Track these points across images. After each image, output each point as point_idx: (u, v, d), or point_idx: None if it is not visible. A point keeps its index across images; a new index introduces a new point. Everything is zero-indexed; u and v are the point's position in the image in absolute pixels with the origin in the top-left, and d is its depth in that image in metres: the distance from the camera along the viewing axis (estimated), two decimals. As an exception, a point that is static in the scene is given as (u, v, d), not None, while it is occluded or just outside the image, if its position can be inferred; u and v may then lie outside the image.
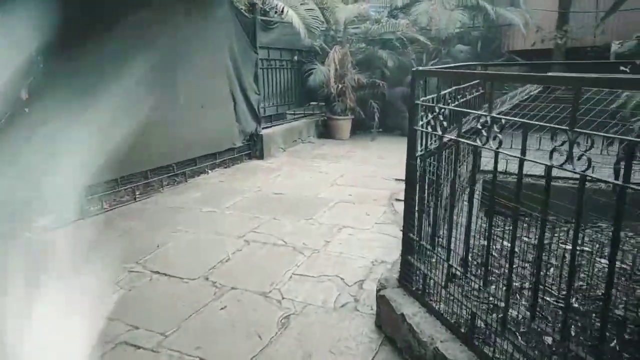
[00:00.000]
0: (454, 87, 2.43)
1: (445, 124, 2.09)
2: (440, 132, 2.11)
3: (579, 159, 1.40)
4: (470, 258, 2.51)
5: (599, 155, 2.16)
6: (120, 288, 3.05)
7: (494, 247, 3.11)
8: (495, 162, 1.78)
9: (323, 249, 3.62)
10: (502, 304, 1.78)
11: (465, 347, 1.95)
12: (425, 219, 2.42)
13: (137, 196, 4.92)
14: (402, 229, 4.04)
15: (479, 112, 1.79)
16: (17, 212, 3.59)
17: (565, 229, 3.21)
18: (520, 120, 1.67)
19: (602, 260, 3.10)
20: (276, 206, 4.69)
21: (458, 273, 2.13)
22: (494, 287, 2.49)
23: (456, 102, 2.44)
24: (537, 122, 1.53)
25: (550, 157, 1.51)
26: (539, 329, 1.72)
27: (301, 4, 7.21)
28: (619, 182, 1.31)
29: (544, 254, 1.90)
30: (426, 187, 2.36)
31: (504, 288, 1.81)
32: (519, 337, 1.96)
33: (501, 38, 10.15)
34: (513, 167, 3.50)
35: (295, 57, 8.18)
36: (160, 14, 5.05)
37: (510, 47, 10.31)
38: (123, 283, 3.12)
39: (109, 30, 4.24)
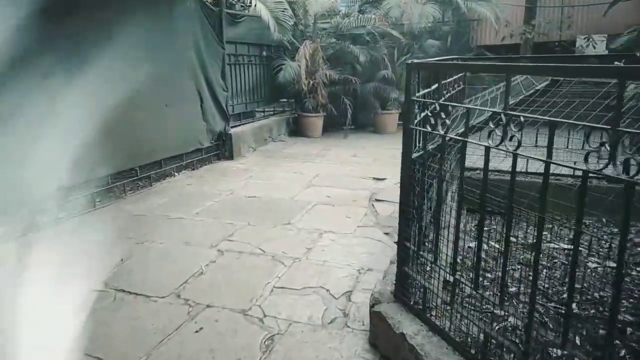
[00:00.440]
0: (453, 77, 2.22)
1: (448, 121, 1.87)
2: (442, 131, 1.89)
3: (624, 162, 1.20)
4: (474, 268, 2.31)
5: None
6: (78, 311, 2.70)
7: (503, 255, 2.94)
8: (514, 167, 1.57)
9: (304, 257, 3.36)
10: (522, 326, 1.58)
11: (479, 372, 1.74)
12: (422, 227, 2.21)
13: (96, 203, 4.52)
14: (385, 232, 3.84)
15: (493, 109, 1.58)
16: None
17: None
18: (544, 118, 1.46)
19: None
20: (250, 210, 4.40)
21: (466, 289, 1.92)
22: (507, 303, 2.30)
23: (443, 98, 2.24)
24: (577, 122, 1.32)
25: (586, 161, 1.31)
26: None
27: (269, -3, 6.91)
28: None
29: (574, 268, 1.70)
30: (425, 192, 2.14)
31: (520, 307, 1.62)
32: None
33: (470, 33, 10.14)
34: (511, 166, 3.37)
35: (264, 53, 7.86)
36: (119, 6, 4.64)
37: (479, 42, 10.31)
38: (82, 305, 2.77)
39: (59, 25, 3.83)
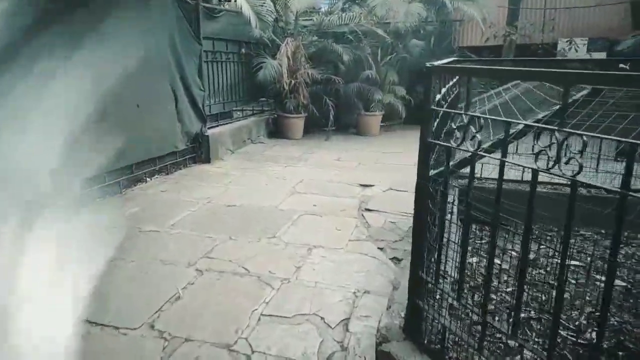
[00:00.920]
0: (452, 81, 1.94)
1: (479, 136, 1.58)
2: (471, 148, 1.60)
3: None
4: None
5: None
6: (29, 351, 2.31)
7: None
8: (572, 197, 1.28)
9: (294, 278, 3.03)
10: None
11: None
12: (441, 256, 1.92)
13: (59, 214, 4.07)
14: (379, 246, 3.55)
15: (550, 127, 1.29)
16: None
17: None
18: (611, 137, 1.19)
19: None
20: (231, 222, 4.04)
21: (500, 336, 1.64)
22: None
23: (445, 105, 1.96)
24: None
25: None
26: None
27: (249, -9, 6.54)
28: None
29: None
30: (444, 216, 1.85)
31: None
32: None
33: (452, 33, 9.98)
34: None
35: (243, 50, 7.48)
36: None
37: (462, 43, 10.17)
38: (34, 341, 2.37)
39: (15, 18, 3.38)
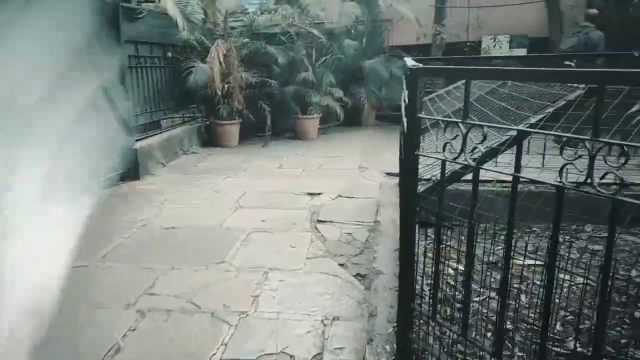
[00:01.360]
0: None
1: (481, 147, 1.36)
2: (473, 163, 1.38)
3: None
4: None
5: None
6: None
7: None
8: (612, 224, 1.09)
9: (253, 310, 2.70)
10: None
11: None
12: (438, 283, 1.69)
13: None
14: (340, 262, 3.30)
15: (574, 135, 1.09)
16: None
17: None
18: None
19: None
20: (172, 247, 3.61)
21: None
22: None
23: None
24: None
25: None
26: None
27: (173, -10, 6.04)
28: None
29: None
30: (440, 239, 1.62)
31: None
32: None
33: (383, 33, 10.01)
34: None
35: (169, 54, 6.93)
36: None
37: (393, 42, 10.22)
38: None
39: None
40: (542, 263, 3.17)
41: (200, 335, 2.46)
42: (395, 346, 1.90)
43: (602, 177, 1.06)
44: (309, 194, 4.91)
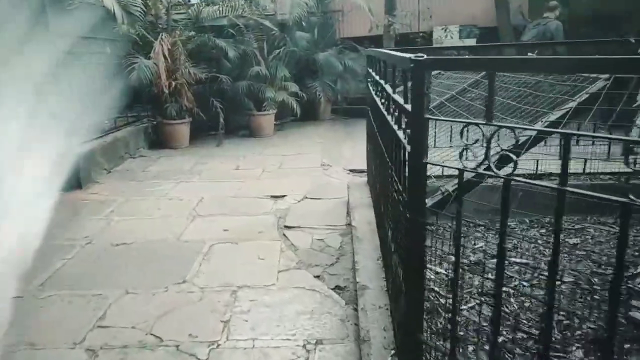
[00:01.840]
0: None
1: (514, 157, 1.12)
2: (502, 174, 1.14)
3: None
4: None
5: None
6: None
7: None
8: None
9: (224, 339, 2.37)
10: None
11: None
12: (455, 314, 1.44)
13: None
14: (315, 274, 3.02)
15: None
16: None
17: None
18: None
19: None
20: (124, 267, 3.20)
21: None
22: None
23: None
24: None
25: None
26: None
27: (108, -21, 5.49)
28: None
29: None
30: (459, 260, 1.38)
31: None
32: None
33: (333, 24, 9.77)
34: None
35: (108, 49, 6.34)
36: None
37: (344, 34, 10.01)
38: None
39: None
40: (527, 262, 3.06)
41: (165, 376, 2.12)
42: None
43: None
44: (273, 196, 4.60)
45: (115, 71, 6.51)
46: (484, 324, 2.08)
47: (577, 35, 6.53)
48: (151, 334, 2.42)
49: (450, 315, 1.39)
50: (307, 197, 4.55)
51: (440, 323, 2.09)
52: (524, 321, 2.25)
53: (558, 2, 6.43)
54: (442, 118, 1.37)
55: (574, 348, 2.16)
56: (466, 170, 1.23)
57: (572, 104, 1.53)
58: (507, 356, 1.93)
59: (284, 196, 4.58)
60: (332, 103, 9.24)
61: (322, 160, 5.95)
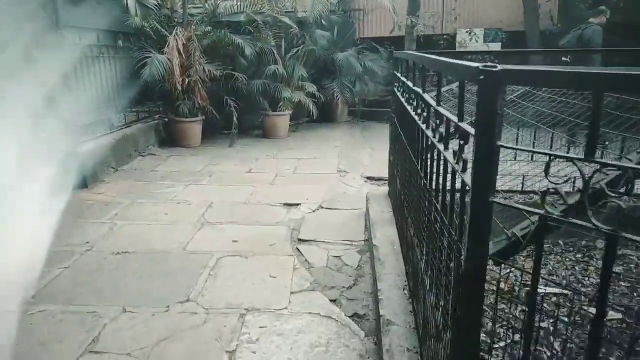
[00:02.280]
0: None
1: (619, 202, 0.83)
2: (606, 227, 0.84)
3: None
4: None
5: None
6: None
7: None
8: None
9: (230, 375, 2.10)
10: None
11: None
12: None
13: None
14: (332, 298, 2.75)
15: None
16: None
17: None
18: None
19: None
20: (123, 281, 2.94)
21: None
22: None
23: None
24: None
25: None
26: None
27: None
28: None
29: None
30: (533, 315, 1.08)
31: None
32: None
33: (354, 23, 9.49)
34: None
35: (120, 43, 6.12)
36: None
37: (364, 34, 9.72)
38: None
39: None
40: (567, 292, 2.73)
41: (160, 420, 1.85)
42: None
43: None
44: (286, 204, 4.32)
45: (128, 66, 6.30)
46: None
47: (614, 44, 6.15)
48: (148, 364, 2.16)
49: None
50: (322, 207, 4.27)
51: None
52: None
53: (606, 8, 6.07)
54: (523, 148, 1.07)
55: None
56: (550, 217, 0.93)
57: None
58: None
59: (298, 205, 4.30)
60: (350, 105, 8.94)
61: (338, 166, 5.67)
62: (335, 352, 2.25)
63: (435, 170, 1.61)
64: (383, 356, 1.91)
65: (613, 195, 0.86)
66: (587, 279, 3.03)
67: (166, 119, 6.85)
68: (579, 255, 3.41)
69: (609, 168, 0.95)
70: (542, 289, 2.53)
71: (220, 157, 6.23)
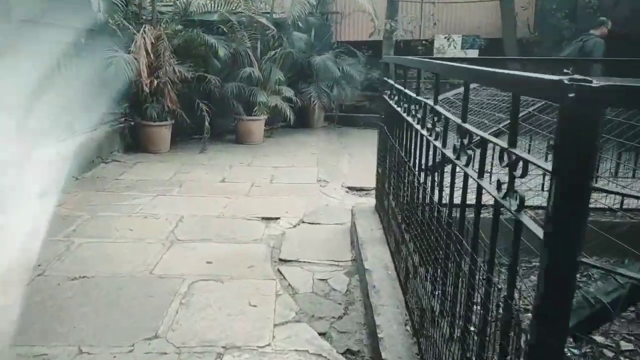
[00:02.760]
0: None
1: None
2: None
3: None
4: None
5: None
6: None
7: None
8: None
9: None
10: None
11: None
12: None
13: None
14: (320, 331, 2.46)
15: None
16: None
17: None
18: None
19: None
20: (79, 312, 2.56)
21: None
22: None
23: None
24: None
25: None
26: None
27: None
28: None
29: None
30: None
31: None
32: None
33: (331, 26, 9.25)
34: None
35: (82, 40, 5.65)
36: None
37: (341, 38, 9.50)
38: None
39: None
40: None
41: None
42: None
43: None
44: (264, 218, 4.00)
45: (91, 65, 5.83)
46: None
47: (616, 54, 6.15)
48: None
49: None
50: (304, 221, 3.96)
51: None
52: None
53: (606, 20, 6.05)
54: (619, 192, 0.81)
55: None
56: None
57: None
58: None
59: (277, 219, 3.99)
60: (327, 110, 8.67)
61: (318, 175, 5.37)
62: (328, 401, 1.95)
63: (461, 202, 1.34)
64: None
65: None
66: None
67: (132, 123, 6.39)
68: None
69: None
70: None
71: (190, 164, 5.84)
